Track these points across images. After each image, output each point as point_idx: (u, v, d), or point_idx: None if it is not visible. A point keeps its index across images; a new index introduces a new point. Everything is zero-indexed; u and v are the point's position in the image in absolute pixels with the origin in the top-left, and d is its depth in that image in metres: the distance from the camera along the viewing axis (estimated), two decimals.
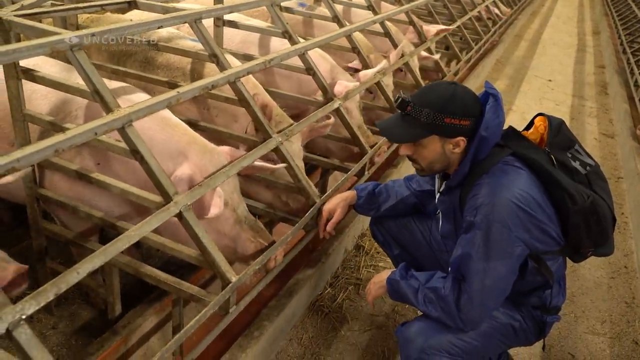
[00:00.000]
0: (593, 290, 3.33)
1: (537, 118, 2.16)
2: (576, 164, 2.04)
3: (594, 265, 3.55)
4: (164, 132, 2.13)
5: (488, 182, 1.90)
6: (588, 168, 2.05)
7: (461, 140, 1.93)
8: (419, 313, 2.13)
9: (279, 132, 2.44)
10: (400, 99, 1.95)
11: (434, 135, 1.93)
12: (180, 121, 2.26)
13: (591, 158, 2.10)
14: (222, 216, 2.07)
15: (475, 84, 6.41)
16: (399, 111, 1.98)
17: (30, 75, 2.03)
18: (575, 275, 3.43)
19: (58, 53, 1.90)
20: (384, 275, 2.13)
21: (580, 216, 1.91)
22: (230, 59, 2.67)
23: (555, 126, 2.09)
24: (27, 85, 2.08)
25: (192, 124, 2.55)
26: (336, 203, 2.45)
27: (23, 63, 2.06)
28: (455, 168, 2.01)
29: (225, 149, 2.25)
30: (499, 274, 1.87)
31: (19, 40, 1.95)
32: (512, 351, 2.54)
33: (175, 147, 2.10)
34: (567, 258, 2.13)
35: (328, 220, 2.47)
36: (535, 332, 2.11)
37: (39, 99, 2.24)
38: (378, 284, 2.15)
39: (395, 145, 3.59)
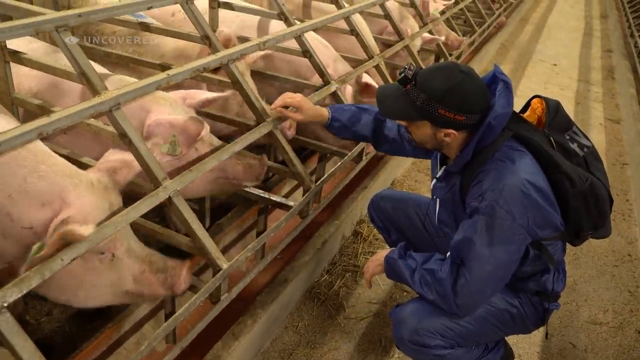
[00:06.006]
0: (596, 278, 3.27)
1: (534, 100, 2.12)
2: (574, 146, 2.02)
3: (597, 253, 3.49)
4: None
5: (494, 167, 1.85)
6: (585, 150, 2.03)
7: (452, 133, 1.87)
8: None
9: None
10: (404, 74, 1.86)
11: (426, 121, 1.88)
12: None
13: (587, 139, 2.07)
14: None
15: (478, 68, 6.30)
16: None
17: (18, 57, 1.99)
18: (577, 264, 3.37)
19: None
20: (383, 253, 2.10)
21: (580, 199, 1.89)
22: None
23: (553, 107, 2.06)
24: None
25: None
26: (306, 106, 2.29)
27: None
28: (456, 153, 1.96)
29: (178, 93, 2.26)
30: (500, 260, 1.84)
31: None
32: (510, 340, 2.50)
33: (140, 104, 2.06)
34: (566, 243, 2.09)
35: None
36: (534, 320, 2.07)
37: None
38: (376, 261, 2.13)
39: None
